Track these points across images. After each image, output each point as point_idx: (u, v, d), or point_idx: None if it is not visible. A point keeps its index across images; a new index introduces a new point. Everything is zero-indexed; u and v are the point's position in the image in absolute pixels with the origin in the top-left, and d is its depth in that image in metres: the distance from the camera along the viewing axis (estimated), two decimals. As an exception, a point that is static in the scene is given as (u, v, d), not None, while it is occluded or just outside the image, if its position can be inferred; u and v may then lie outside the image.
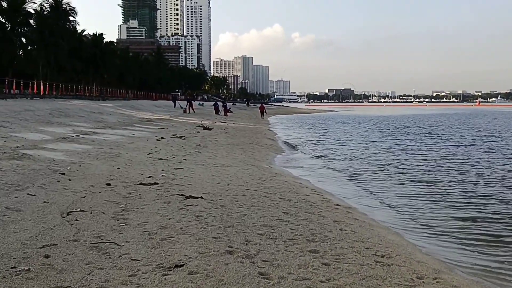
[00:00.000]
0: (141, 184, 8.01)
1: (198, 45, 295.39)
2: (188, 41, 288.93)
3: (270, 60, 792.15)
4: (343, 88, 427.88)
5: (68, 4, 52.95)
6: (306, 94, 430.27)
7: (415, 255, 5.39)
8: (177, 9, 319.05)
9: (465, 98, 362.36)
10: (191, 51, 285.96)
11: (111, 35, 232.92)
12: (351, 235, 5.70)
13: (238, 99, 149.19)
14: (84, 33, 61.95)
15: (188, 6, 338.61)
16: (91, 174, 8.48)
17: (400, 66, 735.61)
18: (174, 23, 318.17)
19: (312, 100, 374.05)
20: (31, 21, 48.02)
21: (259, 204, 7.07)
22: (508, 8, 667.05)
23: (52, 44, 47.65)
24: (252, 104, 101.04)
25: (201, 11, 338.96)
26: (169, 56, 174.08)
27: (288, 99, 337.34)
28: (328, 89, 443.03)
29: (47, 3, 49.96)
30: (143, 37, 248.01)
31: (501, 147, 21.01)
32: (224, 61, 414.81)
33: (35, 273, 3.77)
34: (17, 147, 10.43)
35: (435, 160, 16.11)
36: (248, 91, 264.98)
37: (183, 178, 9.03)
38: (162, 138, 17.35)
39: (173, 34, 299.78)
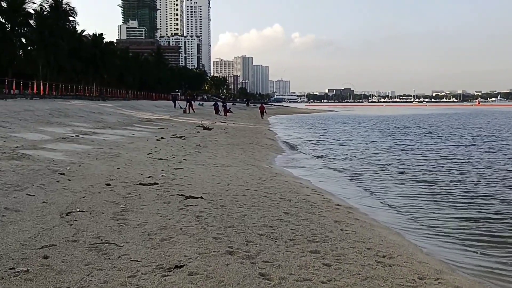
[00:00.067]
0: (140, 184, 7.98)
1: (198, 45, 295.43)
2: (188, 41, 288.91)
3: (270, 60, 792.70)
4: (343, 88, 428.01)
5: (68, 4, 53.06)
6: (306, 94, 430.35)
7: (416, 255, 5.36)
8: (177, 9, 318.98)
9: (465, 98, 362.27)
10: (191, 51, 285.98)
11: (111, 35, 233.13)
12: (352, 235, 5.66)
13: (238, 99, 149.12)
14: (84, 33, 61.97)
15: (188, 6, 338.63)
16: (90, 174, 8.45)
17: (400, 66, 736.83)
18: (174, 23, 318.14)
19: (312, 100, 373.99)
20: (31, 21, 47.98)
21: (260, 204, 7.04)
22: (508, 8, 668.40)
23: (52, 44, 47.62)
24: (252, 104, 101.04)
25: (201, 11, 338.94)
26: (169, 56, 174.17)
27: (288, 99, 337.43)
28: (328, 89, 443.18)
29: (46, 3, 50.02)
30: (143, 37, 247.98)
31: (501, 147, 20.97)
32: (224, 61, 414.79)
33: (33, 274, 3.74)
34: (17, 147, 10.40)
35: (435, 160, 16.08)
36: (248, 91, 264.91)
37: (183, 178, 9.00)
38: (162, 138, 17.32)
39: (173, 34, 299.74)
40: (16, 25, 45.33)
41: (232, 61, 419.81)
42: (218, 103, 54.56)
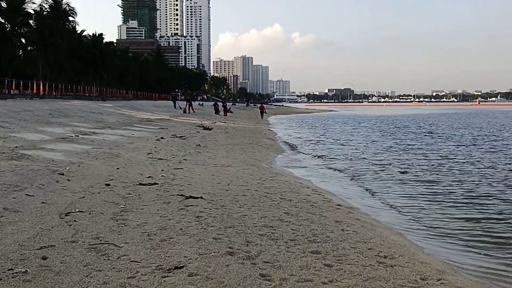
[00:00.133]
0: (140, 184, 7.94)
1: (198, 45, 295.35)
2: (188, 41, 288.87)
3: (270, 60, 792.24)
4: (343, 88, 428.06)
5: (68, 4, 53.07)
6: (306, 94, 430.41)
7: (418, 255, 5.32)
8: (177, 10, 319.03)
9: (465, 97, 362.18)
10: (191, 51, 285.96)
11: (110, 36, 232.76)
12: (353, 236, 5.63)
13: (238, 99, 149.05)
14: (83, 34, 61.95)
15: (187, 6, 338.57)
16: (90, 174, 8.42)
17: (400, 66, 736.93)
18: (174, 24, 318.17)
19: (312, 100, 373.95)
20: (31, 22, 48.01)
21: (260, 204, 7.00)
22: (508, 8, 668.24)
23: (52, 44, 47.60)
24: (252, 104, 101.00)
25: (200, 11, 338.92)
26: (169, 56, 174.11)
27: (288, 99, 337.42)
28: (328, 89, 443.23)
29: (46, 3, 50.03)
30: (143, 38, 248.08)
31: (502, 146, 20.94)
32: (224, 61, 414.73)
33: (32, 275, 3.70)
34: (16, 147, 10.37)
35: (436, 159, 16.05)
36: (248, 91, 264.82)
37: (183, 178, 8.96)
38: (162, 138, 17.29)
39: (173, 34, 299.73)
40: (16, 25, 45.33)
41: (232, 61, 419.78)
42: (218, 103, 54.53)
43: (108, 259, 4.17)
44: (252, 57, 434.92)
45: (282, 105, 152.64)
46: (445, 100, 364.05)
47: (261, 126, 35.16)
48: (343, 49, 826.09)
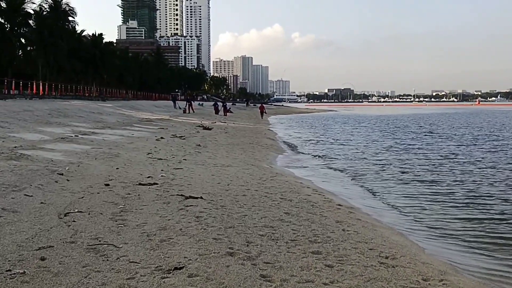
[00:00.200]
0: (140, 184, 7.90)
1: (198, 45, 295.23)
2: (188, 41, 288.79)
3: (270, 60, 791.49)
4: (343, 88, 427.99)
5: (67, 4, 52.97)
6: (306, 94, 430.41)
7: (420, 256, 5.29)
8: (177, 10, 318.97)
9: (465, 97, 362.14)
10: (191, 51, 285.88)
11: (110, 36, 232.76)
12: (354, 236, 5.59)
13: (238, 99, 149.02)
14: (83, 34, 61.87)
15: (187, 6, 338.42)
16: (89, 174, 8.38)
17: (400, 66, 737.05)
18: (174, 24, 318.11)
19: (312, 100, 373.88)
20: (30, 22, 47.96)
21: (260, 205, 6.97)
22: (508, 8, 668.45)
23: (52, 44, 47.56)
24: (252, 104, 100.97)
25: (200, 11, 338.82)
26: (169, 56, 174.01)
27: (288, 99, 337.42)
28: (328, 89, 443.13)
29: (46, 3, 49.95)
30: (143, 38, 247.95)
31: (503, 146, 20.90)
32: (224, 61, 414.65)
33: (30, 276, 3.67)
34: (15, 147, 10.33)
35: (437, 159, 16.01)
36: (248, 91, 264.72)
37: (182, 178, 8.92)
38: (161, 138, 17.26)
39: (173, 34, 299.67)
40: (15, 25, 45.29)
41: (232, 61, 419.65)
42: (218, 103, 54.48)
43: (107, 259, 4.13)
44: (252, 57, 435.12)
45: (282, 105, 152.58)
46: (445, 100, 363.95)
47: (261, 126, 35.13)
48: (343, 49, 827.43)
